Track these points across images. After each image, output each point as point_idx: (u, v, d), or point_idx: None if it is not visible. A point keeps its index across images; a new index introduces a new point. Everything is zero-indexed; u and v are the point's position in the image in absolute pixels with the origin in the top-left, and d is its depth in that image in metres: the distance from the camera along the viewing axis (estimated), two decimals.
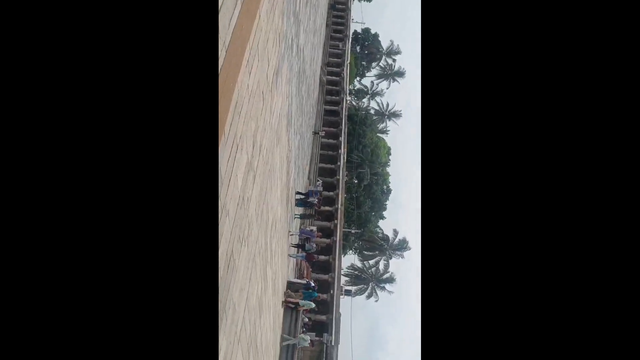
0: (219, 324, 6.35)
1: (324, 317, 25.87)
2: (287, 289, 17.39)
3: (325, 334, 23.86)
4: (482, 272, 1.70)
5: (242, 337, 8.44)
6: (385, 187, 49.51)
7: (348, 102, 42.62)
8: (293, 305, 17.02)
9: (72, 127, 1.74)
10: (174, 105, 1.94)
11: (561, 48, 1.80)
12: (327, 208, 30.34)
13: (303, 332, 19.45)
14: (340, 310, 29.20)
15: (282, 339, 16.20)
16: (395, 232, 48.79)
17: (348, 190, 40.43)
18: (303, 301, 17.23)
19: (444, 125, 1.93)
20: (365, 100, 59.59)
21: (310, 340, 19.80)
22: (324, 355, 21.43)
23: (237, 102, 6.71)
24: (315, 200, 19.65)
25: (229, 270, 6.85)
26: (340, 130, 37.24)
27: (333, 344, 23.66)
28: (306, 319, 20.13)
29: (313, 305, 18.74)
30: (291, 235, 17.87)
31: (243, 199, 7.72)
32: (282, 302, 16.40)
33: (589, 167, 1.61)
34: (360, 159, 45.26)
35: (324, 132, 34.43)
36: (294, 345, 17.03)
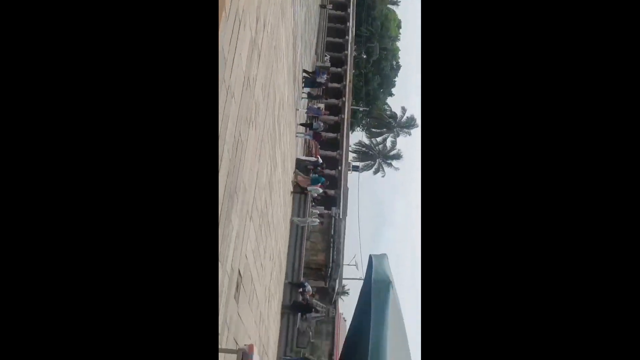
0: (231, 207, 6.55)
1: (332, 192, 26.79)
2: (296, 168, 17.77)
3: (334, 207, 24.89)
4: (484, 265, 1.65)
5: (253, 215, 8.79)
6: (394, 62, 47.89)
7: None
8: (301, 189, 17.53)
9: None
10: None
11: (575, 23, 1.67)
12: (335, 85, 29.76)
13: (312, 206, 20.27)
14: (348, 185, 30.15)
15: (292, 221, 16.92)
16: (404, 110, 48.36)
17: (356, 66, 39.24)
18: (311, 187, 17.74)
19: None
20: None
21: (319, 214, 20.71)
22: (332, 228, 22.56)
23: None
24: (324, 80, 19.14)
25: (237, 153, 6.90)
26: (349, 0, 35.09)
27: (341, 217, 24.78)
28: (315, 194, 20.81)
29: (320, 190, 19.34)
30: (297, 111, 17.75)
31: (248, 79, 7.52)
32: (292, 180, 16.86)
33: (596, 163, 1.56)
34: (370, 33, 43.26)
35: (331, 5, 32.50)
36: (303, 227, 17.86)
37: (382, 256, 3.63)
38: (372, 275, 3.44)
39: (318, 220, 19.32)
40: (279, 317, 14.91)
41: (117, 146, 1.64)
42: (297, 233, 17.49)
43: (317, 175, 18.44)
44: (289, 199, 16.33)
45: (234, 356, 4.98)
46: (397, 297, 3.45)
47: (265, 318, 11.49)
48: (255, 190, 8.85)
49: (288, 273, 16.54)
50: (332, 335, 22.36)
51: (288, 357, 14.87)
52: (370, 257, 3.58)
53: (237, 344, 7.71)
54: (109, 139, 1.64)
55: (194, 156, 1.74)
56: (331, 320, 21.72)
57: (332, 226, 22.51)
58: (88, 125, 1.61)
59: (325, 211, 23.50)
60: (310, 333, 17.24)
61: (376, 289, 3.35)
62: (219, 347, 5.77)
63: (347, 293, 33.64)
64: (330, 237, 22.13)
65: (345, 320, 28.21)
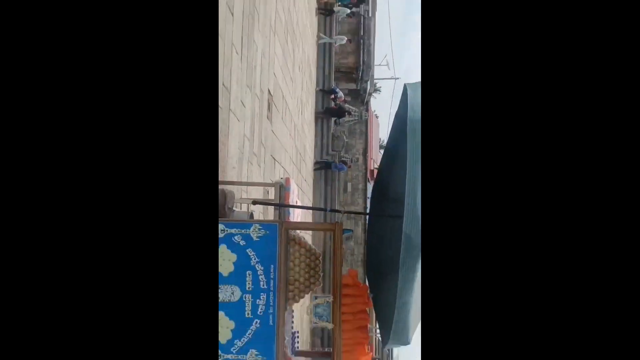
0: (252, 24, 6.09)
1: None
2: None
3: (362, 5, 23.23)
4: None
5: (277, 29, 8.27)
6: None
7: None
8: (327, 10, 16.28)
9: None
10: None
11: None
12: None
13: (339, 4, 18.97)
14: None
15: (319, 38, 16.03)
16: None
17: None
18: (338, 7, 16.41)
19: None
20: None
21: (347, 14, 19.47)
22: (362, 28, 21.36)
23: None
24: None
25: None
26: None
27: (370, 15, 23.26)
28: (343, 16, 19.19)
29: (349, 11, 18.04)
30: None
31: None
32: None
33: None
34: None
35: None
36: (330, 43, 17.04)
37: (418, 86, 3.40)
38: (408, 113, 3.26)
39: (346, 38, 18.30)
40: (313, 124, 15.26)
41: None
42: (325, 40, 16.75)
43: None
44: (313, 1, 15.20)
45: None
46: None
47: (299, 128, 11.77)
48: (276, 2, 8.16)
49: (319, 80, 16.35)
50: (365, 134, 23.05)
51: (323, 160, 15.67)
52: (404, 87, 3.35)
53: (274, 159, 8.05)
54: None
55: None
56: (364, 122, 22.15)
57: (361, 25, 21.30)
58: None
59: (354, 9, 22.02)
60: (345, 136, 17.79)
61: (412, 129, 3.22)
62: (256, 181, 6.02)
63: (379, 90, 33.55)
64: (359, 37, 21.13)
65: (377, 117, 28.77)
